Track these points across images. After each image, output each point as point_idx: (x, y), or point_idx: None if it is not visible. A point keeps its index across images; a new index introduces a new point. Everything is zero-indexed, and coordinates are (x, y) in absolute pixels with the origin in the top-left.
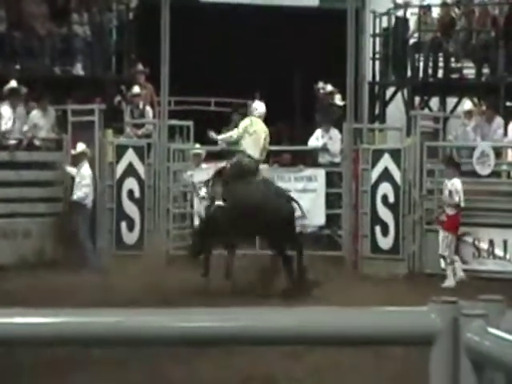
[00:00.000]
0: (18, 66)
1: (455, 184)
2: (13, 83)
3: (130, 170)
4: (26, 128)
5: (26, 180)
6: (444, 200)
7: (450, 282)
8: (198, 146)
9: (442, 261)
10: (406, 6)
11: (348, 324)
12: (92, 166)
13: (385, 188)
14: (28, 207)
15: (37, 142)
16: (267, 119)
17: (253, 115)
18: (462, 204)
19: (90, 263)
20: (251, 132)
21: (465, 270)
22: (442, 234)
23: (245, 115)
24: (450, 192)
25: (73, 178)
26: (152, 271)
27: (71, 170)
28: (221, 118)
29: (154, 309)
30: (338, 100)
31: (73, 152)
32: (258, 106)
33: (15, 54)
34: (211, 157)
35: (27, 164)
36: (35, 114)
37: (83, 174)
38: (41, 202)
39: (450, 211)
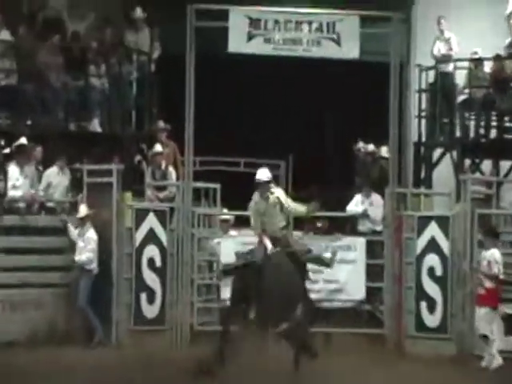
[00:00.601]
0: (29, 122)
1: (494, 254)
2: (22, 140)
3: (151, 237)
4: (41, 187)
5: (38, 247)
6: (482, 272)
7: (497, 362)
8: (225, 210)
9: (484, 342)
10: (448, 59)
11: None
12: (108, 231)
13: (431, 259)
14: (39, 276)
15: (50, 204)
16: (298, 183)
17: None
18: (502, 276)
19: (96, 335)
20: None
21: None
22: (480, 310)
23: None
24: (489, 263)
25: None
26: (174, 349)
27: (72, 231)
28: (251, 180)
29: None
30: (384, 152)
31: (78, 215)
32: (259, 174)
33: (27, 108)
34: (241, 223)
35: (39, 229)
36: (51, 172)
37: (89, 238)
38: (53, 270)
39: (489, 284)
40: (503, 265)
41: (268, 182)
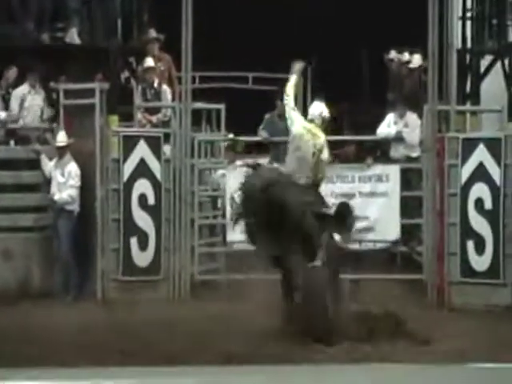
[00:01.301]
0: None
1: None
2: None
3: (142, 169)
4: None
5: (6, 183)
6: None
7: None
8: (231, 136)
9: None
10: None
11: None
12: (90, 164)
13: (479, 190)
14: (8, 219)
15: (20, 132)
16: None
17: (307, 120)
18: None
19: (81, 291)
20: (294, 148)
21: None
22: None
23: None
24: None
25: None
26: (172, 303)
27: (47, 164)
28: (262, 99)
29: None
30: (418, 61)
31: (56, 145)
32: (315, 109)
33: None
34: (250, 150)
35: (7, 162)
36: (21, 91)
37: (70, 172)
38: (25, 211)
39: None
40: None
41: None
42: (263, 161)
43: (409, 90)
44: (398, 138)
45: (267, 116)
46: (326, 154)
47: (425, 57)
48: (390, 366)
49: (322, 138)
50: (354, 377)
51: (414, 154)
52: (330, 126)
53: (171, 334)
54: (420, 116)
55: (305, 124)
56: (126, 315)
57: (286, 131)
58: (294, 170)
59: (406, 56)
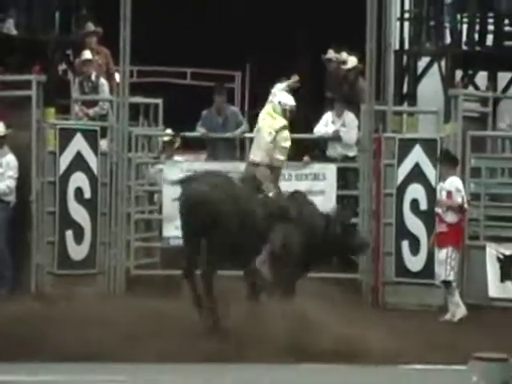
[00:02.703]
0: None
1: (454, 182)
2: None
3: (79, 162)
4: None
5: None
6: (441, 204)
7: (461, 312)
8: (169, 131)
9: (444, 289)
10: None
11: None
12: (26, 156)
13: (415, 190)
14: None
15: None
16: (257, 98)
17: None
18: (467, 205)
19: (15, 284)
20: (255, 131)
21: None
22: (441, 252)
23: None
24: (449, 193)
25: None
26: (107, 297)
27: None
28: (199, 94)
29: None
30: (353, 62)
31: None
32: (280, 97)
33: None
34: (188, 146)
35: None
36: None
37: (8, 163)
38: None
39: (451, 218)
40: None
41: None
42: (202, 157)
43: (345, 90)
44: (336, 137)
45: (205, 112)
46: (285, 138)
47: (362, 57)
48: (321, 367)
49: (282, 122)
50: (280, 376)
51: (351, 154)
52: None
53: (104, 329)
54: (357, 116)
55: (268, 110)
56: (59, 309)
57: (223, 127)
58: (253, 151)
59: (343, 56)
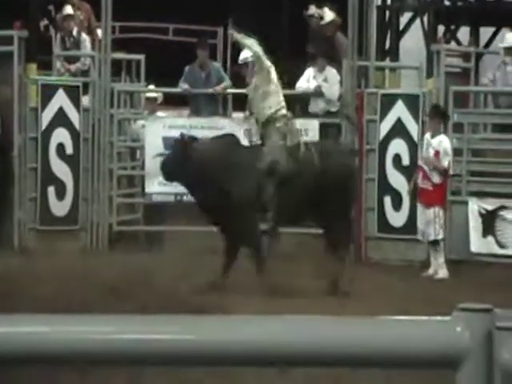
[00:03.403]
0: None
1: (443, 142)
2: None
3: (61, 118)
4: None
5: None
6: (427, 162)
7: (443, 273)
8: (152, 87)
9: (431, 247)
10: None
11: (345, 339)
12: (7, 112)
13: (397, 146)
14: None
15: None
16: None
17: None
18: (451, 171)
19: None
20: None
21: (503, 256)
22: (428, 211)
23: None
24: (437, 153)
25: None
26: (89, 253)
27: None
28: (181, 50)
29: (83, 312)
30: (327, 17)
31: None
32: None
33: None
34: (170, 102)
35: None
36: None
37: None
38: None
39: (437, 178)
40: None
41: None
42: (185, 112)
43: (326, 45)
44: (318, 93)
45: (187, 67)
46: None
47: (344, 12)
48: (302, 318)
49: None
50: (264, 326)
51: (333, 109)
52: None
53: (87, 284)
54: (338, 71)
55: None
56: (41, 264)
57: (206, 82)
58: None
59: (325, 12)
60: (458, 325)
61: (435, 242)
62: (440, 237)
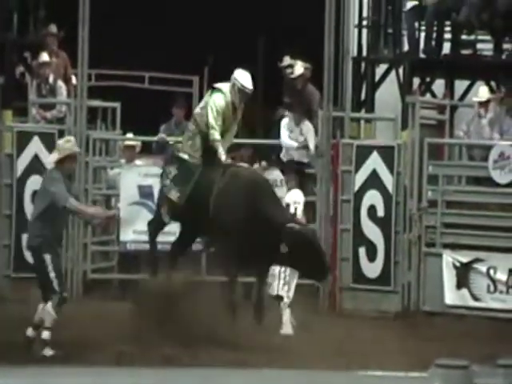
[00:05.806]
0: None
1: (294, 195)
2: None
3: (36, 165)
4: None
5: None
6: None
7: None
8: (130, 135)
9: (281, 304)
10: None
11: None
12: None
13: (372, 197)
14: None
15: None
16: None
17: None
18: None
19: None
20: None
21: (476, 309)
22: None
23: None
24: (287, 206)
25: None
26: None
27: None
28: (157, 98)
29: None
30: (296, 71)
31: None
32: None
33: None
34: (146, 150)
35: None
36: None
37: None
38: None
39: None
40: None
41: None
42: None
43: (299, 97)
44: (303, 147)
45: (163, 126)
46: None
47: (320, 64)
48: (280, 372)
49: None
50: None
51: (305, 160)
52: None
53: (60, 332)
54: (311, 122)
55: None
56: (15, 312)
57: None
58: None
59: (296, 64)
60: (435, 381)
61: (280, 297)
62: (284, 292)
